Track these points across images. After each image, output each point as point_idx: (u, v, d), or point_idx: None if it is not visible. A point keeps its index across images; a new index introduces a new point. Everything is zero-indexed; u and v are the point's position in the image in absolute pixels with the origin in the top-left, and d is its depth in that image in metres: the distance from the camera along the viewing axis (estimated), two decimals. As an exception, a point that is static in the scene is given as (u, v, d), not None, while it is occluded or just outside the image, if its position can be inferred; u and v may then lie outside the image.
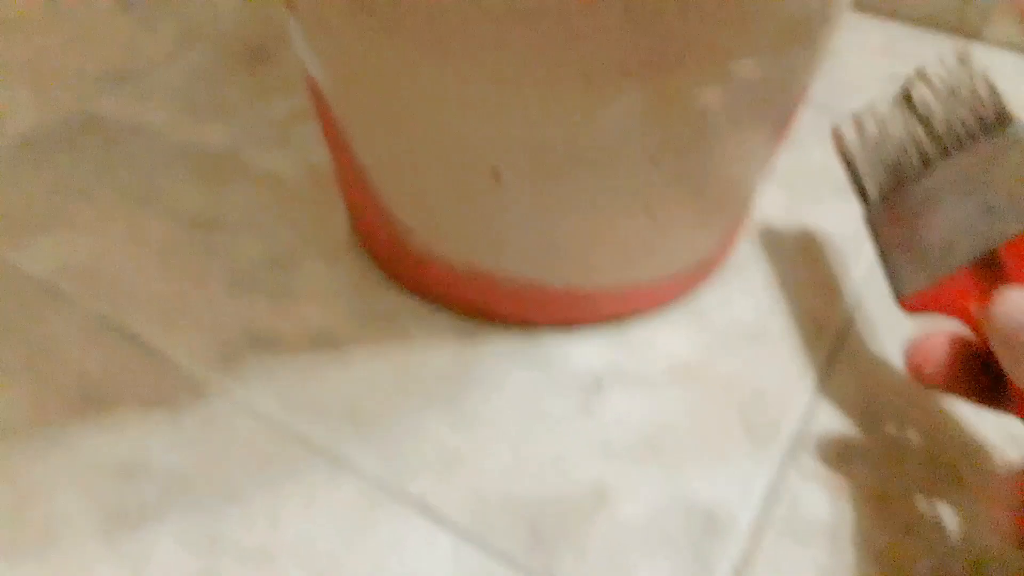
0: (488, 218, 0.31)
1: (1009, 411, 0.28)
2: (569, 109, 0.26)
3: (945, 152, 0.31)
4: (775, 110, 0.30)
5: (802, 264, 0.39)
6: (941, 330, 0.29)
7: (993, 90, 0.32)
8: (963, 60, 0.33)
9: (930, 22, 0.56)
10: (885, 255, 0.31)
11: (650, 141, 0.28)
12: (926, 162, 0.32)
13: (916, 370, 0.28)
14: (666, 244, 0.33)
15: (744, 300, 0.37)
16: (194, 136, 0.45)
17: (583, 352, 0.34)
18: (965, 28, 0.55)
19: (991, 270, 0.28)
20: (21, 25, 0.53)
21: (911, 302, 0.30)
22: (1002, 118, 0.31)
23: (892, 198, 0.32)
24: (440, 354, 0.34)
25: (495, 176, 0.29)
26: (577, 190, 0.29)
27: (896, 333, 0.36)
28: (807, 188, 0.43)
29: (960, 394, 0.28)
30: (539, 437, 0.32)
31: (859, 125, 0.34)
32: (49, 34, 0.52)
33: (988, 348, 0.27)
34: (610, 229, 0.31)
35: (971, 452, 0.31)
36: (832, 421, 0.32)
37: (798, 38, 0.27)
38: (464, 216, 0.31)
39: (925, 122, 0.32)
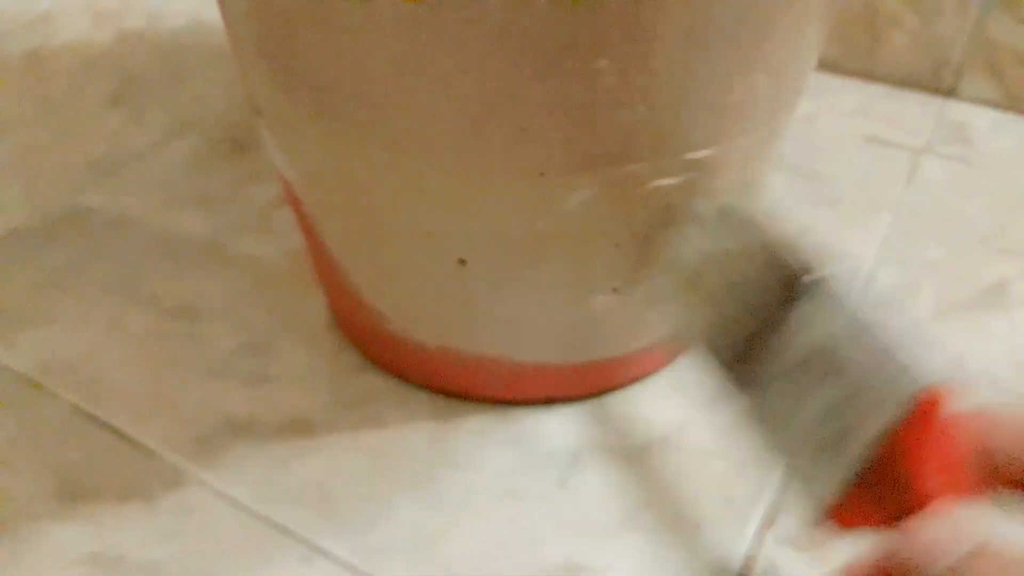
0: (457, 302, 0.31)
1: None
2: (528, 202, 0.27)
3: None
4: (739, 188, 0.31)
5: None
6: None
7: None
8: (725, 214, 0.26)
9: (906, 82, 0.57)
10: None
11: (611, 227, 0.28)
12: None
13: None
14: (638, 320, 0.33)
15: (720, 369, 0.37)
16: (176, 225, 0.45)
17: (559, 428, 0.34)
18: (940, 86, 0.56)
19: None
20: (12, 123, 0.54)
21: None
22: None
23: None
24: (416, 436, 0.34)
25: (461, 263, 0.30)
26: (543, 274, 0.30)
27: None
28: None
29: None
30: (515, 516, 0.31)
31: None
32: (40, 130, 0.53)
33: None
34: (578, 309, 0.31)
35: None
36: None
37: (757, 126, 0.28)
38: (434, 301, 0.32)
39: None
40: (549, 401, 0.35)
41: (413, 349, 0.34)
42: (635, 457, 0.33)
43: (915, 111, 0.55)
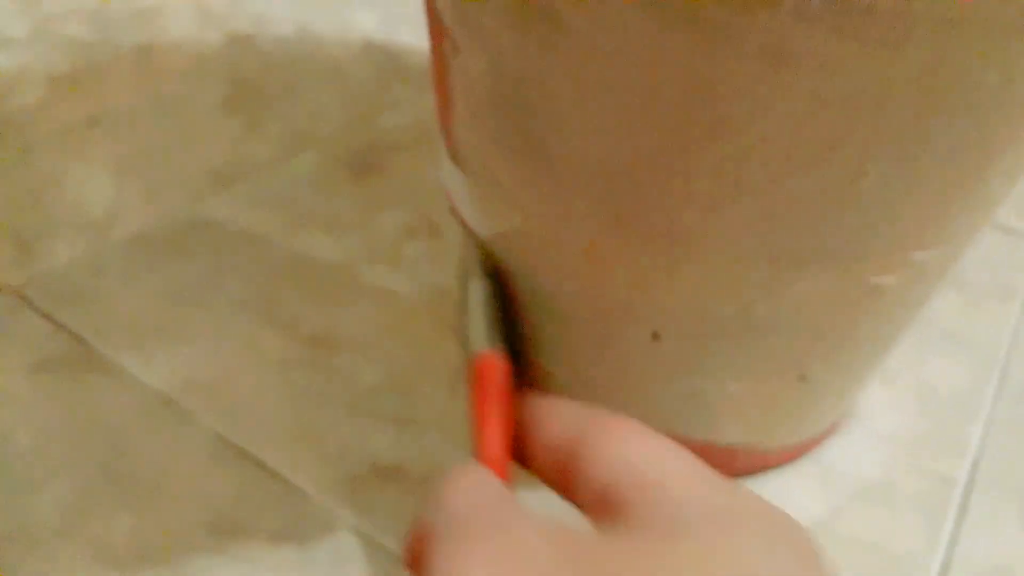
0: (638, 374, 0.31)
1: None
2: (748, 287, 0.26)
3: None
4: (939, 283, 0.30)
5: (921, 416, 0.39)
6: None
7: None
8: None
9: None
10: None
11: (819, 318, 0.28)
12: None
13: None
14: (811, 410, 0.32)
15: (870, 455, 0.36)
16: (305, 247, 0.45)
17: (713, 504, 0.34)
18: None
19: None
20: (128, 119, 0.54)
21: None
22: None
23: None
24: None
25: (654, 337, 0.29)
26: (735, 355, 0.29)
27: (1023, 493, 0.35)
28: (916, 340, 0.43)
29: None
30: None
31: None
32: (156, 131, 0.53)
33: None
34: (761, 392, 0.31)
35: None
36: (973, 595, 0.32)
37: (978, 227, 0.28)
38: (613, 370, 0.31)
39: None
40: (699, 473, 0.35)
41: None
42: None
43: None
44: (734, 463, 0.34)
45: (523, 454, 0.21)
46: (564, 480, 0.19)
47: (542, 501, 0.20)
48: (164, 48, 0.62)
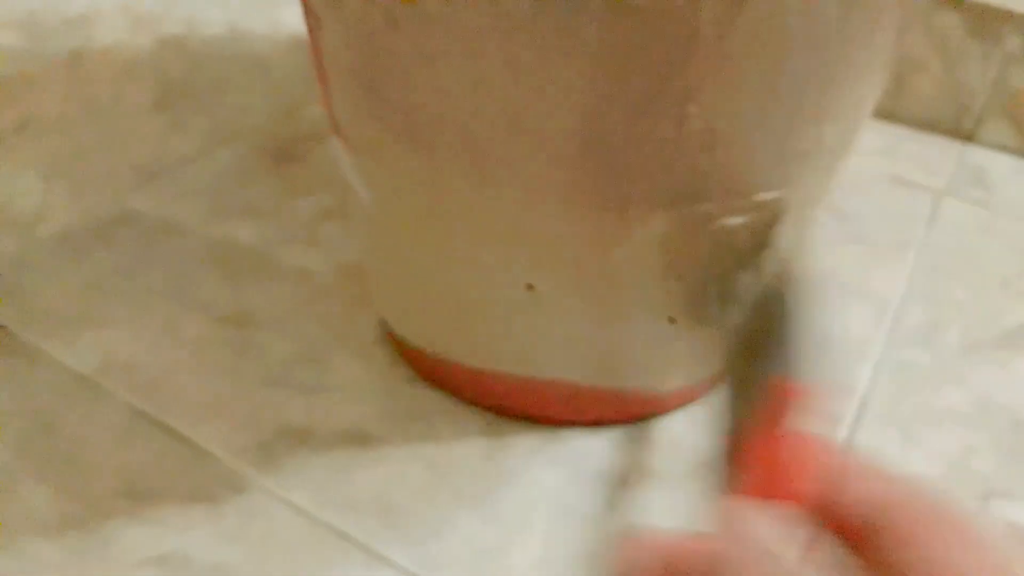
0: (520, 327, 0.33)
1: None
2: (604, 233, 0.28)
3: None
4: (796, 227, 0.32)
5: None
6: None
7: None
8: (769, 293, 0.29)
9: (928, 125, 0.59)
10: None
11: (676, 260, 0.30)
12: None
13: None
14: (689, 353, 0.34)
15: (759, 398, 0.38)
16: (224, 233, 0.46)
17: (608, 450, 0.36)
18: (961, 131, 0.58)
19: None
20: (58, 125, 0.55)
21: None
22: None
23: None
24: (470, 451, 0.35)
25: (529, 288, 0.31)
26: (607, 301, 0.31)
27: (906, 426, 0.37)
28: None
29: None
30: (569, 534, 0.33)
31: None
32: (85, 133, 0.54)
33: None
34: (635, 336, 0.33)
35: None
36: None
37: (820, 171, 0.29)
38: (498, 326, 0.33)
39: None
40: (596, 423, 0.37)
41: (467, 370, 0.36)
42: (680, 482, 0.35)
43: (937, 154, 0.57)
44: (629, 406, 0.36)
45: (806, 498, 0.20)
46: (862, 547, 0.18)
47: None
48: (94, 53, 0.63)
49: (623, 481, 0.34)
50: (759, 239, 0.31)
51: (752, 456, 0.21)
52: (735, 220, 0.29)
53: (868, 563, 0.18)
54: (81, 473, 0.34)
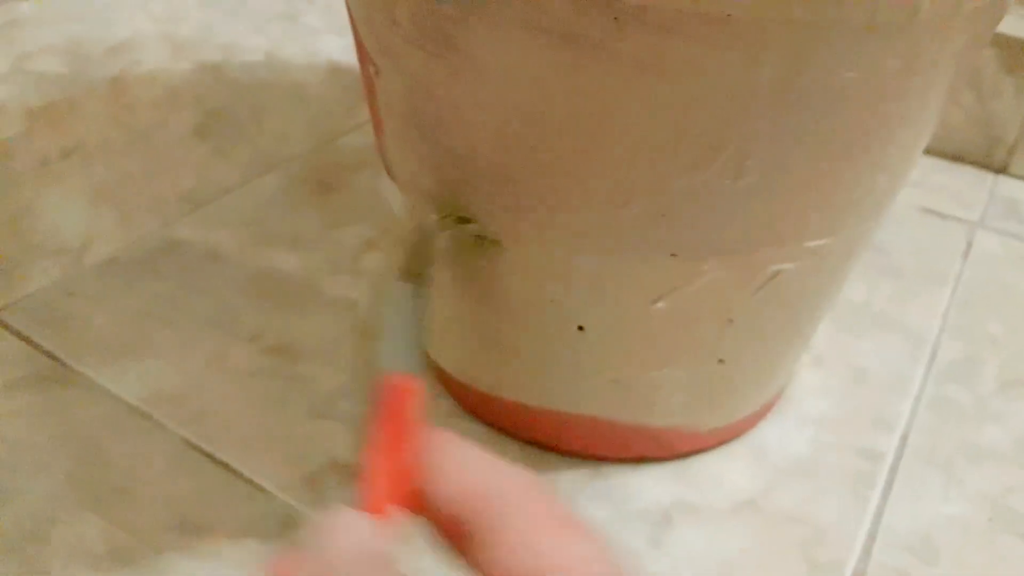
0: (567, 366, 0.33)
1: None
2: (655, 280, 0.29)
3: None
4: (842, 269, 0.33)
5: (851, 396, 0.41)
6: None
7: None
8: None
9: (960, 157, 0.59)
10: None
11: (727, 305, 0.30)
12: None
13: None
14: (735, 392, 0.35)
15: (801, 434, 0.39)
16: (269, 263, 0.47)
17: (650, 487, 0.36)
18: (993, 163, 0.58)
19: None
20: (103, 151, 0.56)
21: None
22: None
23: None
24: (514, 486, 0.36)
25: (580, 329, 0.31)
26: (655, 344, 0.32)
27: (947, 464, 0.37)
28: (849, 321, 0.45)
29: None
30: (613, 572, 0.33)
31: None
32: (130, 160, 0.55)
33: None
34: (683, 377, 0.33)
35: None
36: (889, 557, 0.34)
37: (869, 217, 0.30)
38: (547, 365, 0.33)
39: None
40: (638, 460, 0.37)
41: (513, 405, 0.36)
42: (723, 519, 0.35)
43: (970, 186, 0.57)
44: (667, 445, 0.36)
45: (418, 500, 0.19)
46: (460, 545, 0.18)
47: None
48: (136, 80, 0.65)
49: (666, 519, 0.35)
50: (807, 282, 0.31)
51: (372, 457, 0.20)
52: (785, 266, 0.30)
53: (467, 562, 0.18)
54: (131, 505, 0.35)
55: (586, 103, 0.24)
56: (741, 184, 0.26)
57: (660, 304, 0.30)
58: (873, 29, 0.23)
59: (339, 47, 0.71)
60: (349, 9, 0.30)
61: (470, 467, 0.19)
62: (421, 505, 0.19)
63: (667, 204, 0.27)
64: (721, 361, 0.33)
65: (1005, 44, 0.54)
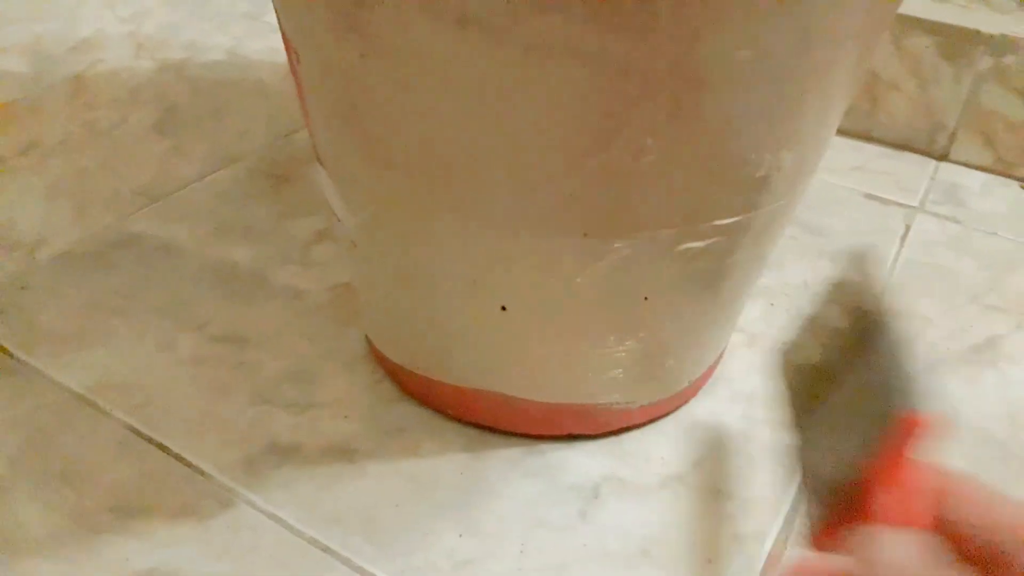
0: (495, 347, 0.34)
1: None
2: (569, 259, 0.30)
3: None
4: (758, 247, 0.34)
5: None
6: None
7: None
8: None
9: (902, 144, 0.60)
10: None
11: (641, 283, 0.31)
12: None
13: None
14: (661, 369, 0.36)
15: (731, 410, 0.40)
16: (222, 254, 0.48)
17: (582, 462, 0.37)
18: (934, 149, 0.60)
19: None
20: (61, 148, 0.57)
21: None
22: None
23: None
24: (450, 465, 0.37)
25: (503, 309, 0.32)
26: (577, 321, 0.33)
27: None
28: (787, 303, 0.46)
29: None
30: (543, 544, 0.34)
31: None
32: (87, 156, 0.56)
33: None
34: (605, 355, 0.34)
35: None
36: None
37: (780, 195, 0.31)
38: (472, 340, 0.34)
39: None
40: (571, 437, 0.38)
41: (448, 387, 0.37)
42: (651, 493, 0.36)
43: (911, 172, 0.58)
44: (599, 422, 0.38)
45: (936, 523, 0.21)
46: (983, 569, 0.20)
47: None
48: (98, 78, 0.65)
49: (595, 493, 0.36)
50: (722, 260, 0.32)
51: (880, 484, 0.22)
52: (696, 244, 0.31)
53: None
54: (73, 489, 0.36)
55: (486, 86, 0.25)
56: (643, 163, 0.27)
57: (577, 281, 0.31)
58: (765, 6, 0.24)
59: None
60: (273, 1, 0.31)
61: (995, 498, 0.21)
62: (939, 528, 0.21)
63: (574, 185, 0.28)
64: (641, 338, 0.34)
65: (944, 32, 0.55)
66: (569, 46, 0.24)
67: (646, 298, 0.32)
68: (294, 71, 0.32)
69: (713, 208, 0.30)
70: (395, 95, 0.27)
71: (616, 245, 0.30)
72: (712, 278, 0.33)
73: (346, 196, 0.33)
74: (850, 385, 0.26)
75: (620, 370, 0.35)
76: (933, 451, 0.22)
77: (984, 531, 0.20)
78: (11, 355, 0.41)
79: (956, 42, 0.55)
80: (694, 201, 0.29)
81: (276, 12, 0.31)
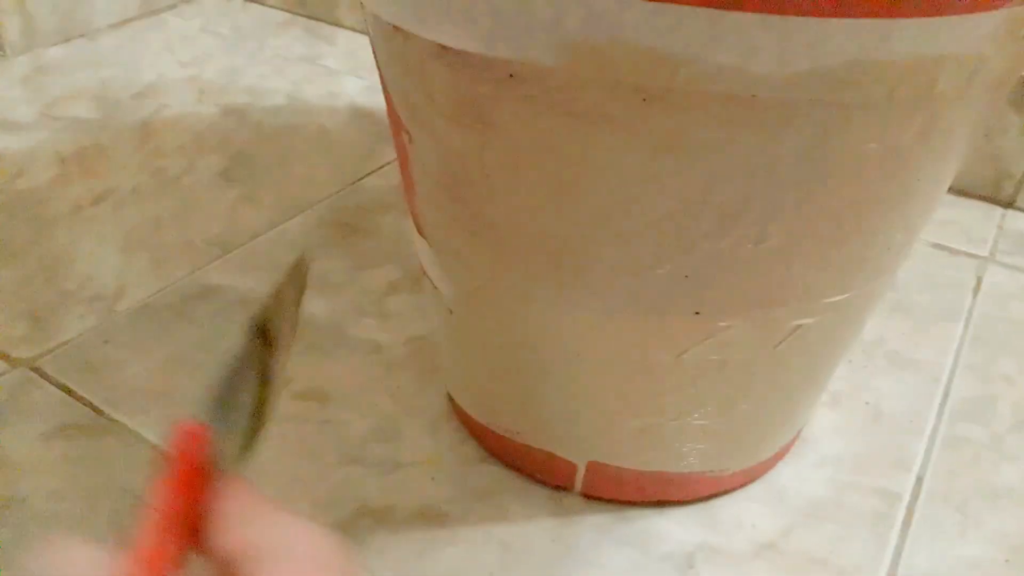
0: (589, 415, 0.34)
1: None
2: (677, 338, 0.30)
3: None
4: (860, 319, 0.34)
5: (867, 436, 0.42)
6: None
7: None
8: None
9: (967, 191, 0.60)
10: None
11: (749, 357, 0.31)
12: None
13: None
14: (755, 436, 0.36)
15: (819, 475, 0.40)
16: (297, 307, 0.49)
17: (673, 530, 0.37)
18: (1000, 197, 0.59)
19: None
20: (133, 197, 0.58)
21: None
22: None
23: None
24: (539, 532, 0.37)
25: (602, 381, 0.33)
26: (676, 396, 0.33)
27: (964, 504, 0.38)
28: (864, 360, 0.46)
29: None
30: (639, 616, 0.34)
31: None
32: (159, 205, 0.57)
33: None
34: (705, 425, 0.34)
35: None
36: (913, 602, 0.35)
37: (887, 271, 0.31)
38: (573, 418, 0.35)
39: None
40: (660, 503, 0.38)
41: (537, 453, 0.37)
42: (745, 562, 0.36)
43: (978, 220, 0.58)
44: (689, 488, 0.37)
45: (201, 542, 0.20)
46: None
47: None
48: (163, 124, 0.66)
49: (690, 563, 0.36)
50: (827, 334, 0.32)
51: (161, 500, 0.20)
52: (806, 321, 0.31)
53: None
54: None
55: (614, 177, 0.26)
56: (763, 248, 0.27)
57: (684, 357, 0.31)
58: (892, 104, 0.24)
59: (358, 88, 0.72)
60: (383, 80, 0.31)
61: (258, 517, 0.20)
62: (203, 548, 0.20)
63: (691, 267, 0.28)
64: (743, 409, 0.34)
65: (1012, 83, 0.55)
66: (700, 141, 0.25)
67: (752, 372, 0.32)
68: (401, 146, 0.32)
69: (826, 287, 0.30)
70: (514, 182, 0.28)
71: (727, 323, 0.30)
72: (816, 351, 0.33)
73: (448, 268, 0.34)
74: None
75: (715, 440, 0.35)
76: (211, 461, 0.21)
77: (231, 552, 0.19)
78: (101, 412, 0.42)
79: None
80: (808, 281, 0.29)
81: (385, 92, 0.32)
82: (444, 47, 0.25)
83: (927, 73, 0.24)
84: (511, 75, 0.24)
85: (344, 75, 0.75)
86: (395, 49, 0.28)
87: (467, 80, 0.26)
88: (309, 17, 0.85)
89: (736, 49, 0.22)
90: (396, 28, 0.27)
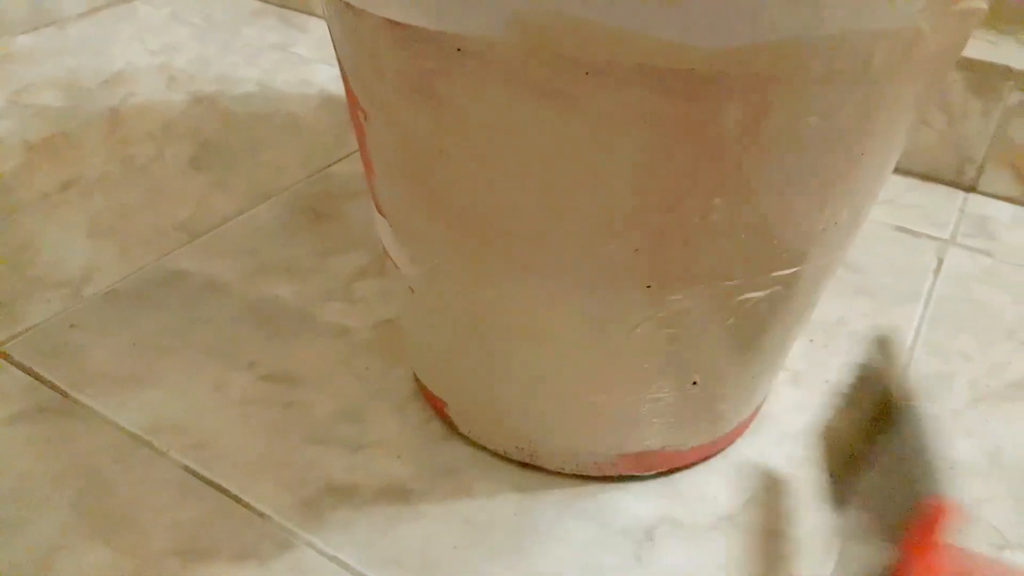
0: (549, 391, 0.35)
1: None
2: (632, 309, 0.30)
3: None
4: (810, 294, 0.34)
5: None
6: None
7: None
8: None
9: (931, 176, 0.61)
10: None
11: (698, 332, 0.32)
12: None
13: None
14: (712, 411, 0.36)
15: (779, 449, 0.40)
16: (265, 292, 0.49)
17: (633, 504, 0.38)
18: (963, 182, 0.60)
19: None
20: (101, 184, 0.58)
21: None
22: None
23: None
24: (503, 506, 0.37)
25: (560, 356, 0.33)
26: (631, 371, 0.33)
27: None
28: (825, 339, 0.47)
29: None
30: (598, 588, 0.35)
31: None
32: (127, 192, 0.57)
33: None
34: (662, 399, 0.35)
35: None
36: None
37: (835, 246, 0.32)
38: (529, 389, 0.35)
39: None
40: (621, 478, 0.39)
41: (501, 429, 0.38)
42: (704, 534, 0.37)
43: (940, 204, 0.59)
44: (650, 463, 0.38)
45: None
46: None
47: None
48: (132, 112, 0.66)
49: (649, 535, 0.36)
50: (777, 308, 0.33)
51: (912, 570, 0.22)
52: (754, 294, 0.31)
53: None
54: (135, 532, 0.36)
55: (561, 152, 0.26)
56: (709, 221, 0.28)
57: (636, 331, 0.31)
58: (831, 79, 0.25)
59: (330, 76, 0.72)
60: (339, 60, 0.32)
61: None
62: None
63: (641, 240, 0.28)
64: (695, 383, 0.34)
65: (973, 67, 0.56)
66: (645, 115, 0.25)
67: (703, 345, 0.33)
68: (358, 125, 0.33)
69: (773, 261, 0.30)
70: (467, 159, 0.28)
71: (677, 297, 0.30)
72: (767, 325, 0.34)
73: (408, 247, 0.34)
74: (880, 469, 0.28)
75: (673, 414, 0.36)
76: (957, 536, 0.23)
77: None
78: (66, 395, 0.42)
79: (985, 77, 0.56)
80: (756, 255, 0.30)
81: (342, 72, 0.32)
82: (393, 22, 0.26)
83: (864, 48, 0.24)
84: (459, 49, 0.25)
85: (316, 63, 0.75)
86: (347, 26, 0.28)
87: (417, 55, 0.26)
88: (282, 6, 0.85)
89: (676, 24, 0.23)
90: (347, 5, 0.27)
